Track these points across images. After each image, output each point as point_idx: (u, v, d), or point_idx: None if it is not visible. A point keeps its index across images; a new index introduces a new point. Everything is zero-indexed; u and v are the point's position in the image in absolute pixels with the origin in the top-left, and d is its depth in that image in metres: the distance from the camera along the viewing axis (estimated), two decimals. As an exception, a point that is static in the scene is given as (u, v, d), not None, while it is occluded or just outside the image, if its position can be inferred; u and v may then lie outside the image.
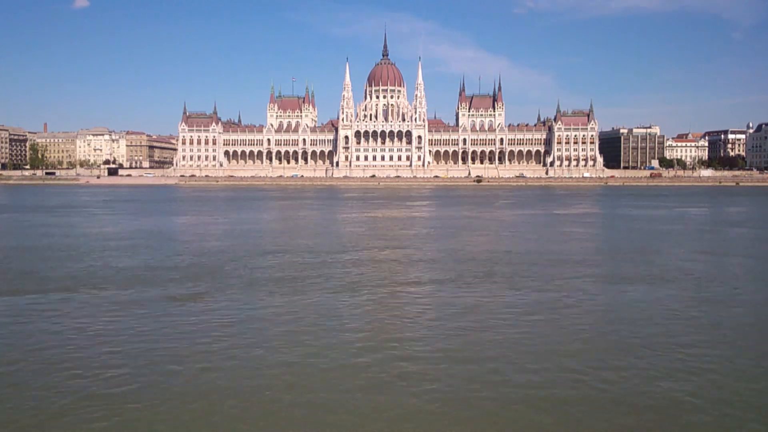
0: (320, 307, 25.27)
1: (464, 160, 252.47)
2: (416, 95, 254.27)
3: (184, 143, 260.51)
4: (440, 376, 17.37)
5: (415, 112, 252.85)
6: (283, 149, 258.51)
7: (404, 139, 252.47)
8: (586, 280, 31.47)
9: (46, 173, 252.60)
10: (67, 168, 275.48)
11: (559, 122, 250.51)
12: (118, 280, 30.71)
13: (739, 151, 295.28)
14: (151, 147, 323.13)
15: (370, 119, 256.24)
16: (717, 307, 25.79)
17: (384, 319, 23.62)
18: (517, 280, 31.19)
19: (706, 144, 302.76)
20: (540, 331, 21.89)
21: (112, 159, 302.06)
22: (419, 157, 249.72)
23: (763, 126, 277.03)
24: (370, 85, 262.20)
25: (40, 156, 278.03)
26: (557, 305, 25.71)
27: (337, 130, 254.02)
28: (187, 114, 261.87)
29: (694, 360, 18.85)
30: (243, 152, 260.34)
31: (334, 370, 17.82)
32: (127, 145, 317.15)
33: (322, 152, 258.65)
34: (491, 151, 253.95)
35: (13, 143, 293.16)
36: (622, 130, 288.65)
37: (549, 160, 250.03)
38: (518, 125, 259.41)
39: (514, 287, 29.33)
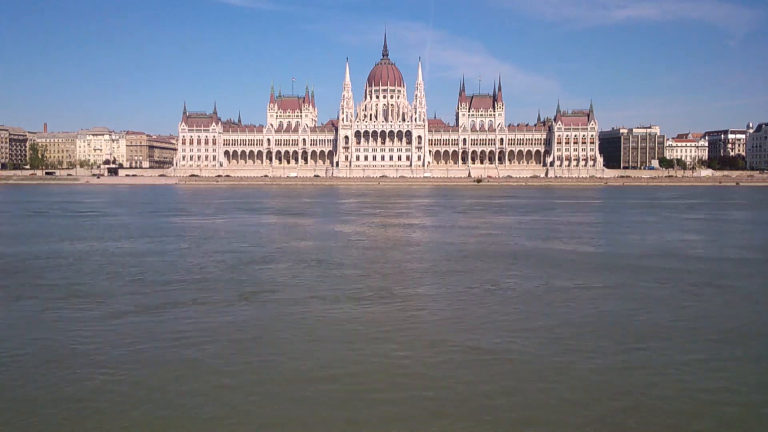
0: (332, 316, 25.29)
1: (464, 160, 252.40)
2: (416, 95, 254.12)
3: (184, 143, 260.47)
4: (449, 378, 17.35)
5: (415, 112, 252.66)
6: (283, 149, 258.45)
7: (404, 139, 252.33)
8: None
9: (46, 173, 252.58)
10: (68, 168, 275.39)
11: (559, 122, 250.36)
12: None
13: (739, 151, 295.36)
14: (151, 147, 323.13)
15: (370, 119, 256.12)
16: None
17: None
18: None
19: (706, 144, 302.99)
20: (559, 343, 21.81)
21: (112, 159, 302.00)
22: (419, 157, 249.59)
23: (763, 126, 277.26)
24: (370, 85, 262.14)
25: (40, 156, 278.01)
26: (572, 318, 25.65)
27: (337, 130, 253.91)
28: (187, 114, 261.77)
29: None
30: (243, 152, 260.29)
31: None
32: (127, 145, 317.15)
33: (322, 152, 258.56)
34: (491, 151, 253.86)
35: (13, 143, 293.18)
36: (622, 130, 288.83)
37: (549, 160, 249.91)
38: (518, 125, 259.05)
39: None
